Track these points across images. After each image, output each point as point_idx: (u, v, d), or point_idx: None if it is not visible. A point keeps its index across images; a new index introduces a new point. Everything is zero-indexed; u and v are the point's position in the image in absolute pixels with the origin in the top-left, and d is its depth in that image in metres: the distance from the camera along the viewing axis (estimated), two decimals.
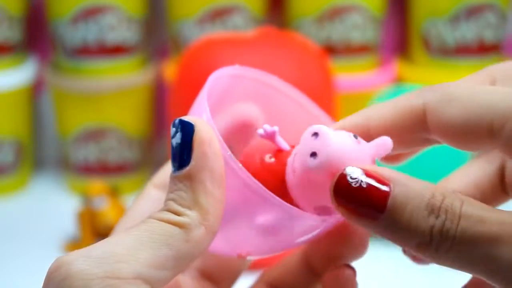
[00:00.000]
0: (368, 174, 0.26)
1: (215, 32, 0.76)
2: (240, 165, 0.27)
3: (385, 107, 0.30)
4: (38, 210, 0.82)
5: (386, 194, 0.26)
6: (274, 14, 0.87)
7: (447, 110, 0.27)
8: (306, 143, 0.27)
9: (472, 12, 0.80)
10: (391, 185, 0.26)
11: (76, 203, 0.75)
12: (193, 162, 0.27)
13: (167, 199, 0.27)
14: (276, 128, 0.29)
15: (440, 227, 0.25)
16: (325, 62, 0.69)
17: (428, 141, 0.29)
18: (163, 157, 0.90)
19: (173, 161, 0.27)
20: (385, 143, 0.27)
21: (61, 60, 0.82)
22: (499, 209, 0.26)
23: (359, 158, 0.27)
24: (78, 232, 0.70)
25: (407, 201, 0.25)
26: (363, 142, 0.28)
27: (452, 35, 0.81)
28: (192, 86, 0.67)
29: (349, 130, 0.29)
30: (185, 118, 0.28)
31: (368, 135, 0.29)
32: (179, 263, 0.26)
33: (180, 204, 0.27)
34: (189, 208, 0.27)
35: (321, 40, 0.80)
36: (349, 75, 0.80)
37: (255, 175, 0.27)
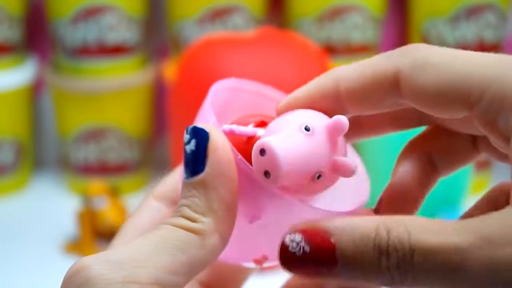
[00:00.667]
0: (308, 238, 0.26)
1: (215, 32, 0.76)
2: (252, 167, 0.27)
3: (356, 70, 0.29)
4: (38, 210, 0.82)
5: (332, 251, 0.25)
6: (274, 14, 0.87)
7: (421, 77, 0.27)
8: (256, 162, 0.27)
9: (472, 12, 0.80)
10: (334, 238, 0.25)
11: (76, 203, 0.75)
12: (207, 169, 0.27)
13: (181, 205, 0.27)
14: (228, 127, 0.29)
15: (396, 265, 0.25)
16: (325, 62, 0.69)
17: (400, 105, 0.29)
18: (163, 157, 0.90)
19: (186, 167, 0.27)
20: (338, 124, 0.27)
21: (61, 60, 0.82)
22: (444, 221, 0.25)
23: (312, 160, 0.27)
24: (78, 232, 0.70)
25: (355, 249, 0.25)
26: (317, 131, 0.27)
27: (452, 35, 0.81)
28: (192, 86, 0.67)
29: (317, 96, 0.29)
30: (199, 125, 0.28)
31: (337, 98, 0.29)
32: (193, 269, 0.26)
33: (195, 210, 0.27)
34: (203, 214, 0.27)
35: (321, 40, 0.80)
36: None
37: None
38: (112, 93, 0.81)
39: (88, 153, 0.83)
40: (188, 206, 0.27)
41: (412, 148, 0.31)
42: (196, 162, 0.27)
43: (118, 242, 0.31)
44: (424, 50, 0.27)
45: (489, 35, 0.81)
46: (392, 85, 0.28)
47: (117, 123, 0.82)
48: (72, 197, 0.82)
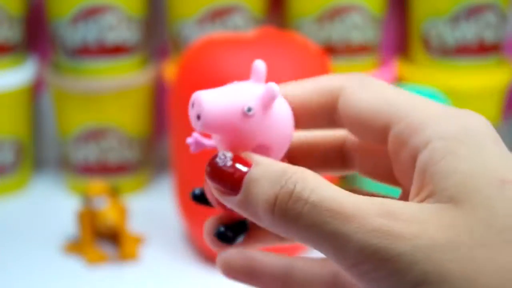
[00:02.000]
0: (235, 158, 0.28)
1: (215, 32, 0.76)
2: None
3: (304, 83, 0.31)
4: (38, 210, 0.82)
5: (244, 174, 0.27)
6: (274, 14, 0.87)
7: (357, 96, 0.29)
8: (191, 115, 0.28)
9: (472, 12, 0.80)
10: (252, 166, 0.27)
11: (76, 203, 0.75)
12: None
13: None
14: (193, 138, 0.31)
15: (290, 191, 0.26)
16: (325, 62, 0.69)
17: (336, 125, 0.30)
18: (163, 157, 0.90)
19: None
20: (269, 90, 0.28)
21: (61, 60, 0.82)
22: (354, 193, 0.26)
23: (239, 96, 0.28)
24: (78, 232, 0.70)
25: (261, 175, 0.27)
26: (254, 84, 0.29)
27: (452, 35, 0.81)
28: (192, 86, 0.67)
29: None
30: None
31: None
32: None
33: None
34: None
35: (321, 40, 0.80)
36: None
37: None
38: (112, 93, 0.81)
39: (88, 153, 0.83)
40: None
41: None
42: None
43: None
44: (372, 78, 0.30)
45: (489, 35, 0.81)
46: (335, 100, 0.30)
47: (117, 123, 0.82)
48: (72, 197, 0.82)
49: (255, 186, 0.27)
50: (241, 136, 0.28)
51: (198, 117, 0.28)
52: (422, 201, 0.25)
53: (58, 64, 0.82)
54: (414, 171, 0.27)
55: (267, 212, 0.26)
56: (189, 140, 0.30)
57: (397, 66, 0.86)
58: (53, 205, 0.83)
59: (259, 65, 0.29)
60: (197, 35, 0.78)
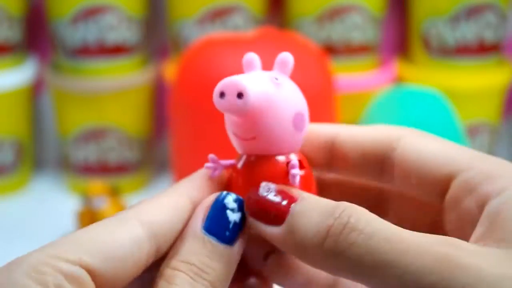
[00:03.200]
0: (279, 190, 0.28)
1: (215, 32, 0.76)
2: None
3: (359, 127, 0.31)
4: (38, 210, 0.82)
5: (289, 205, 0.27)
6: (274, 14, 0.87)
7: (420, 144, 0.29)
8: (225, 102, 0.28)
9: (472, 12, 0.80)
10: (298, 200, 0.27)
11: (76, 203, 0.75)
12: (235, 248, 0.28)
13: (188, 261, 0.27)
14: (211, 161, 0.30)
15: (344, 222, 0.25)
16: (325, 62, 0.69)
17: (383, 176, 0.30)
18: (163, 157, 0.90)
19: (219, 226, 0.28)
20: (284, 60, 0.29)
21: (61, 60, 0.82)
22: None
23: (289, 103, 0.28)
24: None
25: (311, 208, 0.27)
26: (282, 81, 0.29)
27: (452, 35, 0.81)
28: (192, 86, 0.67)
29: (317, 135, 0.31)
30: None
31: (331, 146, 0.31)
32: None
33: (199, 275, 0.27)
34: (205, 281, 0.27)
35: (321, 40, 0.80)
36: (349, 75, 0.80)
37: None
38: (112, 93, 0.81)
39: (88, 153, 0.83)
40: (195, 266, 0.27)
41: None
42: (233, 232, 0.28)
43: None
44: (424, 131, 0.30)
45: (489, 35, 0.81)
46: (389, 146, 0.30)
47: (117, 123, 0.82)
48: (72, 197, 0.82)
49: (303, 218, 0.26)
50: (281, 107, 0.28)
51: (240, 95, 0.27)
52: (485, 245, 0.25)
53: (58, 64, 0.82)
54: (476, 218, 0.26)
55: (316, 244, 0.26)
56: (208, 165, 0.30)
57: (397, 66, 0.86)
58: (53, 205, 0.83)
59: (287, 57, 0.30)
60: (197, 35, 0.78)
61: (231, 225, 0.28)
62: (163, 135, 0.90)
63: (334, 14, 0.80)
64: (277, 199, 0.27)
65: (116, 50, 0.80)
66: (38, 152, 0.92)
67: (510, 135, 0.91)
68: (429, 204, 0.30)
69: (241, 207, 0.28)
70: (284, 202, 0.27)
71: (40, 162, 0.92)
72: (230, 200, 0.28)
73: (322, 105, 0.66)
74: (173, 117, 0.69)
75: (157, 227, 0.27)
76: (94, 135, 0.82)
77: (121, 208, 0.70)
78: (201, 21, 0.80)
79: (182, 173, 0.68)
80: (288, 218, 0.27)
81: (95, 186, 0.71)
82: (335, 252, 0.25)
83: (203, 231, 0.28)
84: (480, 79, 0.81)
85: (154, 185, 0.88)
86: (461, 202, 0.27)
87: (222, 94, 0.27)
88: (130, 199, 0.80)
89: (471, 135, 0.80)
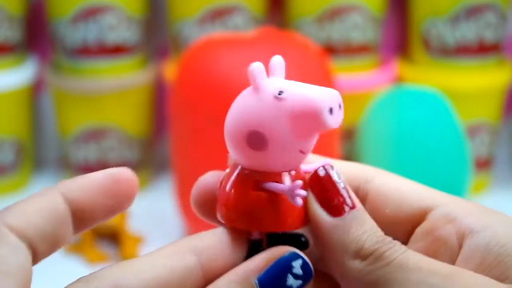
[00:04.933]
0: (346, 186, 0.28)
1: (215, 32, 0.76)
2: None
3: (335, 160, 0.31)
4: None
5: (348, 207, 0.28)
6: (274, 14, 0.87)
7: (396, 179, 0.31)
8: (333, 116, 0.27)
9: (472, 12, 0.80)
10: (357, 207, 0.28)
11: None
12: None
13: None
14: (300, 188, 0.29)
15: (389, 242, 0.27)
16: (325, 62, 0.69)
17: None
18: (163, 157, 0.90)
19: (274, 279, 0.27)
20: (282, 63, 0.29)
21: (61, 60, 0.82)
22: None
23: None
24: None
25: (368, 220, 0.28)
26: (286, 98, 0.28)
27: (452, 35, 0.81)
28: (192, 86, 0.67)
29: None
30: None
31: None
32: None
33: None
34: None
35: (321, 40, 0.80)
36: (349, 75, 0.80)
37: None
38: (112, 93, 0.81)
39: (88, 153, 0.83)
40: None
41: None
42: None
43: None
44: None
45: (489, 35, 0.81)
46: (364, 179, 0.31)
47: (117, 123, 0.82)
48: None
49: (360, 224, 0.27)
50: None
51: (340, 107, 0.27)
52: None
53: (58, 64, 0.82)
54: (454, 246, 0.28)
55: (359, 251, 0.27)
56: (304, 192, 0.28)
57: (397, 66, 0.86)
58: None
59: (277, 60, 0.29)
60: (197, 35, 0.78)
61: None
62: (163, 135, 0.90)
63: (334, 14, 0.80)
64: (343, 193, 0.28)
65: (116, 50, 0.80)
66: (38, 152, 0.92)
67: (510, 135, 0.91)
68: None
69: (306, 275, 0.27)
70: (348, 201, 0.27)
71: (40, 162, 0.92)
72: (298, 264, 0.27)
73: None
74: (173, 117, 0.69)
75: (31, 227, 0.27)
76: (94, 135, 0.82)
77: None
78: (201, 21, 0.80)
79: (182, 173, 0.68)
80: (346, 217, 0.27)
81: None
82: (375, 263, 0.26)
83: (256, 281, 0.27)
84: (480, 79, 0.81)
85: (154, 185, 0.88)
86: (436, 231, 0.28)
87: (331, 110, 0.27)
88: None
89: (471, 135, 0.80)
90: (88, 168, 0.83)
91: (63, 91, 0.82)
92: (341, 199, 0.27)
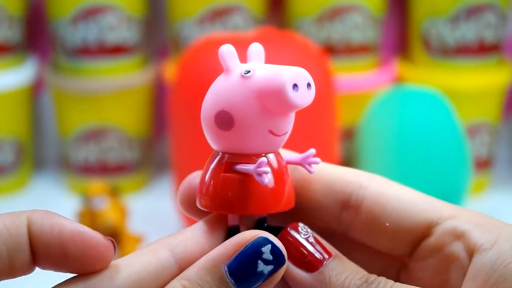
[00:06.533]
0: (316, 240, 0.28)
1: (215, 32, 0.76)
2: None
3: (327, 164, 0.31)
4: None
5: (323, 259, 0.28)
6: (274, 14, 0.87)
7: (395, 188, 0.30)
8: (298, 93, 0.27)
9: (472, 12, 0.80)
10: (333, 256, 0.28)
11: (76, 203, 0.75)
12: None
13: (189, 282, 0.26)
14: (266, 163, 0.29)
15: (374, 286, 0.27)
16: (325, 62, 0.69)
17: (340, 224, 0.31)
18: (163, 157, 0.90)
19: (243, 274, 0.26)
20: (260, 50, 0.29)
21: (61, 60, 0.82)
22: None
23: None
24: None
25: (347, 268, 0.28)
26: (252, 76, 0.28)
27: (452, 35, 0.81)
28: (192, 86, 0.67)
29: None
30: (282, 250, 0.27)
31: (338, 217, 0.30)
32: None
33: None
34: None
35: (321, 40, 0.80)
36: (349, 75, 0.80)
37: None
38: (112, 93, 0.81)
39: (88, 153, 0.83)
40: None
41: None
42: (255, 283, 0.26)
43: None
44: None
45: (489, 35, 0.81)
46: (358, 185, 0.30)
47: (117, 123, 0.82)
48: (72, 197, 0.82)
49: (336, 275, 0.27)
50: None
51: (309, 86, 0.27)
52: None
53: (58, 64, 0.82)
54: (465, 264, 0.28)
55: None
56: (267, 168, 0.27)
57: (397, 66, 0.86)
58: (53, 205, 0.83)
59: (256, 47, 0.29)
60: (197, 35, 0.78)
61: (256, 276, 0.26)
62: (163, 135, 0.90)
63: (334, 14, 0.80)
64: (313, 247, 0.28)
65: (116, 50, 0.80)
66: (38, 152, 0.92)
67: (510, 135, 0.91)
68: (382, 253, 0.30)
69: (277, 260, 0.26)
70: (319, 255, 0.27)
71: (40, 162, 0.92)
72: (268, 250, 0.26)
73: (322, 105, 0.66)
74: (173, 117, 0.69)
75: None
76: (94, 135, 0.82)
77: (121, 208, 0.70)
78: (201, 21, 0.80)
79: (182, 173, 0.68)
80: (323, 270, 0.27)
81: (95, 186, 0.71)
82: None
83: (226, 268, 0.26)
84: (480, 79, 0.81)
85: (154, 185, 0.88)
86: (445, 247, 0.28)
87: (295, 86, 0.27)
88: (130, 199, 0.80)
89: (471, 135, 0.80)
90: (88, 168, 0.83)
91: (63, 91, 0.82)
92: (314, 255, 0.27)
